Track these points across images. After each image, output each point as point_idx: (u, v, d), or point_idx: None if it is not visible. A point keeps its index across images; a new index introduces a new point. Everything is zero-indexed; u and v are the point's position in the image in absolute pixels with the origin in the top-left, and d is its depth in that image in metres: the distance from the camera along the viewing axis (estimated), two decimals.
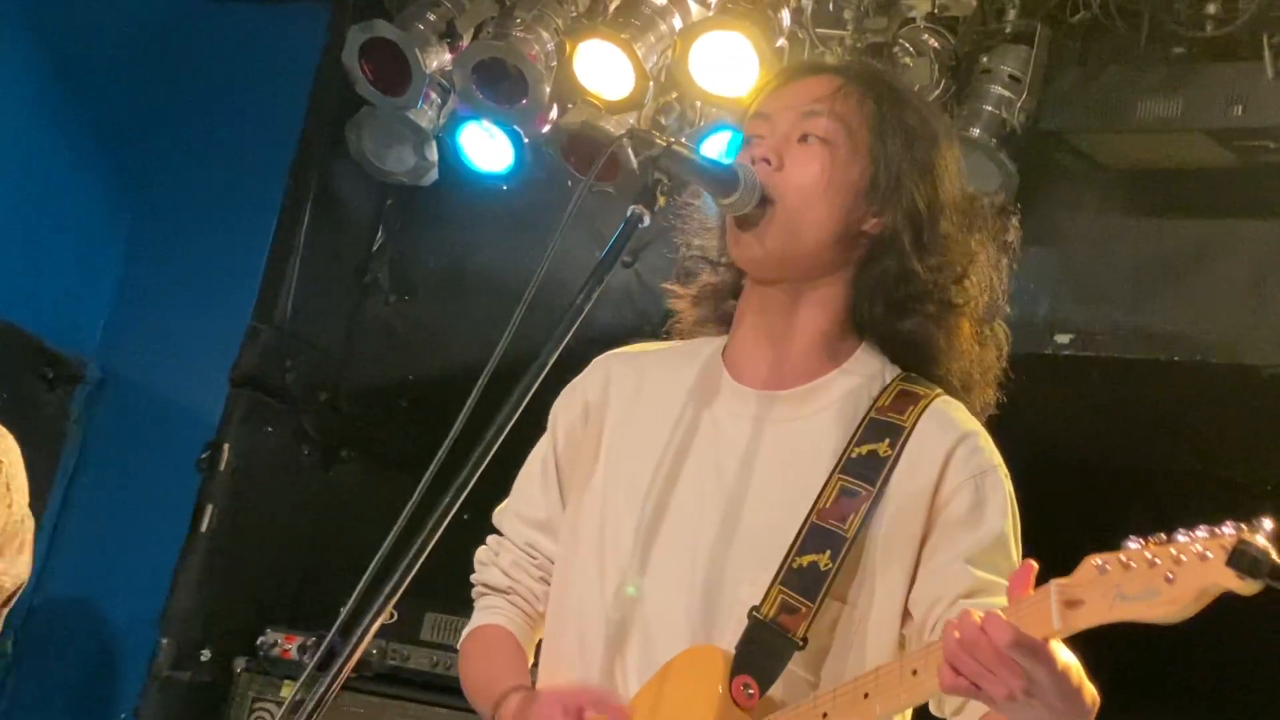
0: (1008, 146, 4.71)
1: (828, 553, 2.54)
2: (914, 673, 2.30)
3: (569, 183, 5.58)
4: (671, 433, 2.73)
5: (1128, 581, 2.07)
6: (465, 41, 5.58)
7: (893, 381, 2.70)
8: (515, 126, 5.60)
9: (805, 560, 2.54)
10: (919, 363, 2.73)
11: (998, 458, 2.66)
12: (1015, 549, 2.63)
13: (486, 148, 5.75)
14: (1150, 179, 4.88)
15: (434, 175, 5.90)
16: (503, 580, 2.88)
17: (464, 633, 2.93)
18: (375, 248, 6.41)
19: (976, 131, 4.69)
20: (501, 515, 2.96)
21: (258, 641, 5.72)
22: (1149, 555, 2.06)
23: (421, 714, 5.46)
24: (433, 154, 5.83)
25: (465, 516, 7.15)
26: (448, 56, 5.57)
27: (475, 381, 6.14)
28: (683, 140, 2.52)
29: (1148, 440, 5.16)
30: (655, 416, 2.76)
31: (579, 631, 2.71)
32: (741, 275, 2.79)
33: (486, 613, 2.89)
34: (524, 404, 2.37)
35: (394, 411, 6.40)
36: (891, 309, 2.71)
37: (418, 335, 6.29)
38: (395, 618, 5.54)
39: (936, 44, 4.80)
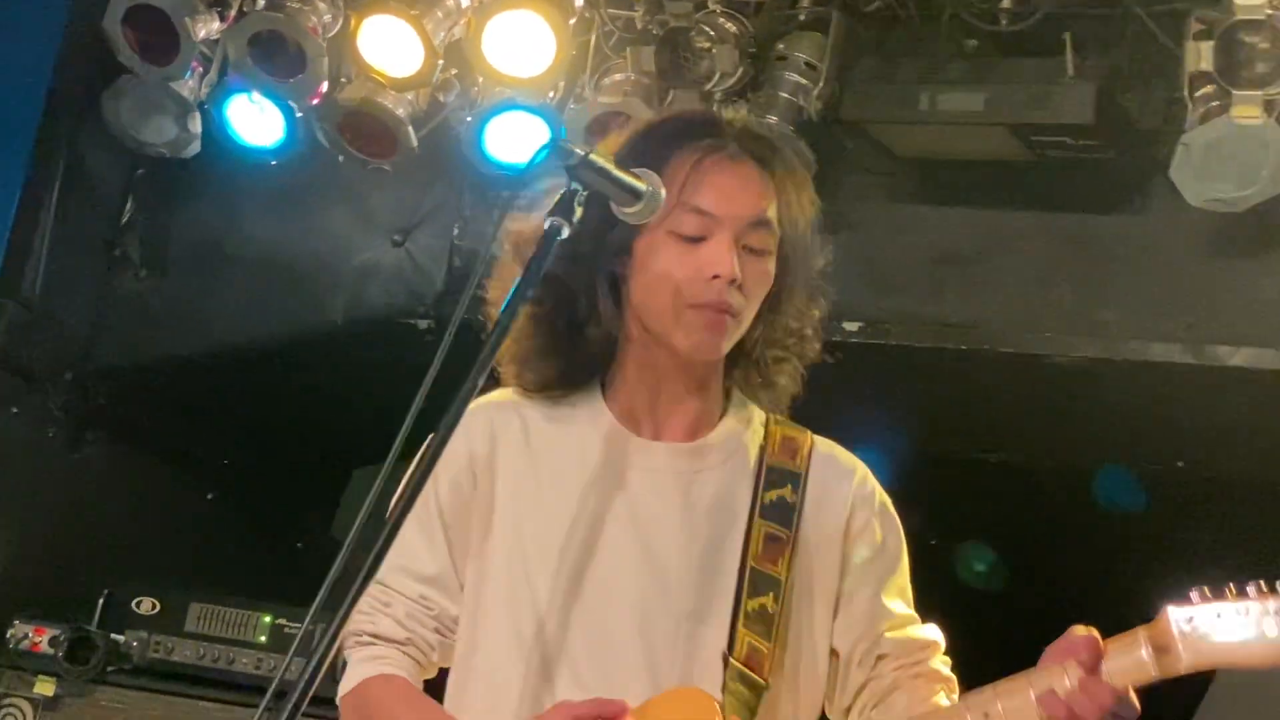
0: (804, 132, 4.74)
1: (771, 595, 2.69)
2: (985, 716, 2.44)
3: (340, 159, 5.48)
4: (577, 487, 2.78)
5: (1220, 630, 2.27)
6: (233, 11, 5.41)
7: (770, 425, 2.87)
8: (288, 100, 5.44)
9: (755, 604, 2.68)
10: (770, 393, 2.89)
11: (881, 488, 2.89)
12: (908, 580, 2.88)
13: (255, 121, 5.56)
14: (942, 169, 4.95)
15: (196, 147, 5.69)
16: (399, 631, 2.83)
17: (351, 683, 2.83)
18: (125, 220, 6.19)
19: (773, 118, 4.70)
20: (382, 570, 2.84)
21: (5, 635, 5.52)
22: (1242, 605, 2.25)
23: (188, 708, 5.33)
24: (196, 125, 5.61)
25: (210, 496, 7.00)
26: (216, 25, 5.38)
27: (234, 361, 6.03)
28: (595, 150, 2.48)
29: (935, 428, 5.26)
30: (554, 470, 2.80)
31: (490, 685, 2.74)
32: (615, 334, 2.83)
33: (378, 663, 2.82)
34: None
35: (145, 392, 6.21)
36: (761, 367, 2.86)
37: (172, 313, 6.10)
38: (157, 609, 5.46)
39: (735, 29, 4.80)
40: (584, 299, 2.79)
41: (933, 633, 2.85)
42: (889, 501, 2.89)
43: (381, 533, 2.26)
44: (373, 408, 2.65)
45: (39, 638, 5.45)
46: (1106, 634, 2.42)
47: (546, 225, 2.46)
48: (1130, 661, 2.33)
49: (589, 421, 2.83)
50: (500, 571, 2.78)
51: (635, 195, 2.57)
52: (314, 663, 2.11)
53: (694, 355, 2.76)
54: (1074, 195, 4.82)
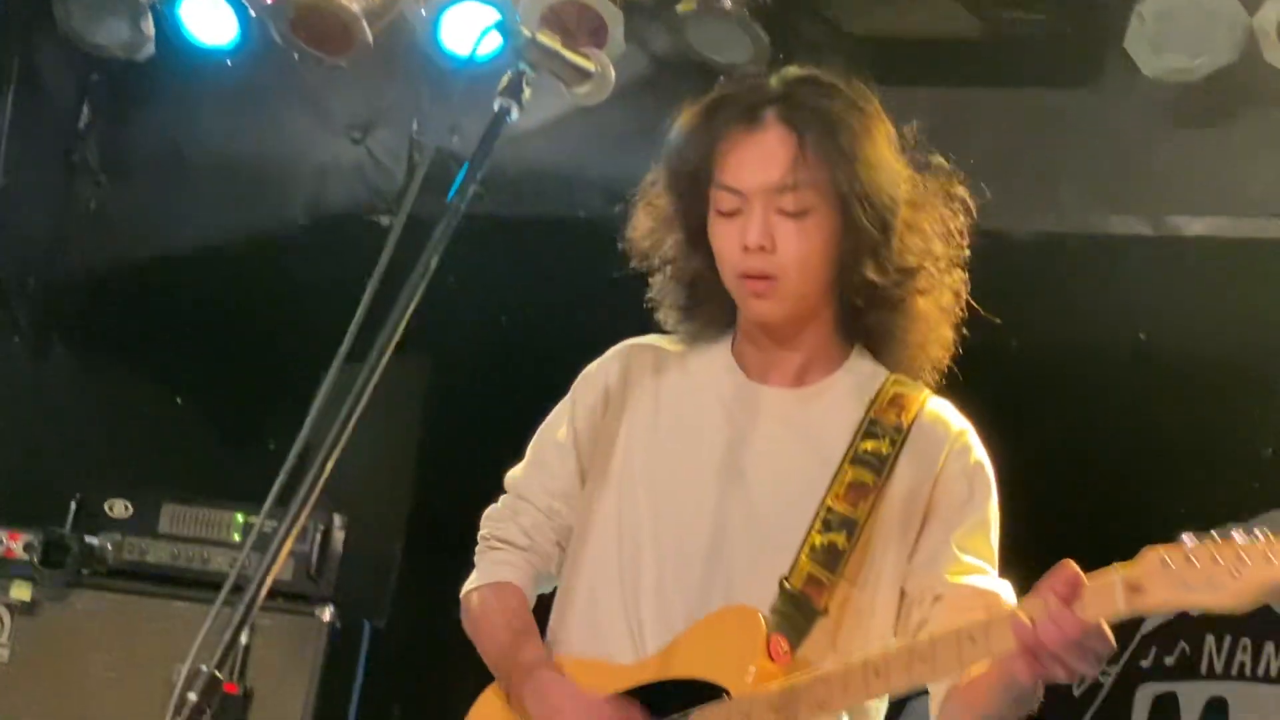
0: (759, 16, 4.73)
1: (844, 533, 2.86)
2: (972, 640, 2.55)
3: (296, 57, 5.45)
4: (688, 423, 3.02)
5: (1191, 574, 2.35)
6: None
7: (885, 383, 3.00)
8: None
9: (826, 539, 2.86)
10: (891, 348, 3.03)
11: (984, 453, 3.01)
12: (995, 537, 2.97)
13: (208, 20, 5.53)
14: (898, 47, 4.94)
15: (150, 49, 5.65)
16: (522, 539, 3.11)
17: (476, 580, 3.13)
18: (82, 126, 6.16)
19: (728, 2, 4.70)
20: (520, 480, 3.17)
21: None
22: (1213, 553, 2.34)
23: (163, 609, 5.34)
24: (149, 27, 5.57)
25: (178, 400, 7.01)
26: None
27: (198, 264, 6.02)
28: (545, 31, 2.51)
29: None
30: (674, 410, 3.04)
31: (591, 596, 3.00)
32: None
33: (502, 567, 3.11)
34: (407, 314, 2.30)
35: (109, 299, 6.21)
36: (867, 316, 3.00)
37: (133, 218, 6.09)
38: (130, 511, 5.49)
39: None
40: (701, 271, 3.03)
41: (999, 585, 2.92)
42: (987, 463, 2.99)
43: (333, 430, 2.27)
44: (338, 306, 2.67)
45: (13, 543, 5.46)
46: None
47: (496, 107, 2.52)
48: (1104, 597, 2.42)
49: (713, 366, 3.07)
50: (611, 496, 3.03)
51: (584, 75, 2.61)
52: (270, 558, 2.14)
53: (757, 319, 2.98)
54: (1031, 71, 4.82)
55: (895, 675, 2.64)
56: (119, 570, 5.48)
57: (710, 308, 3.08)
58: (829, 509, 2.88)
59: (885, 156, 2.95)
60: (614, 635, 2.95)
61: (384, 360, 2.31)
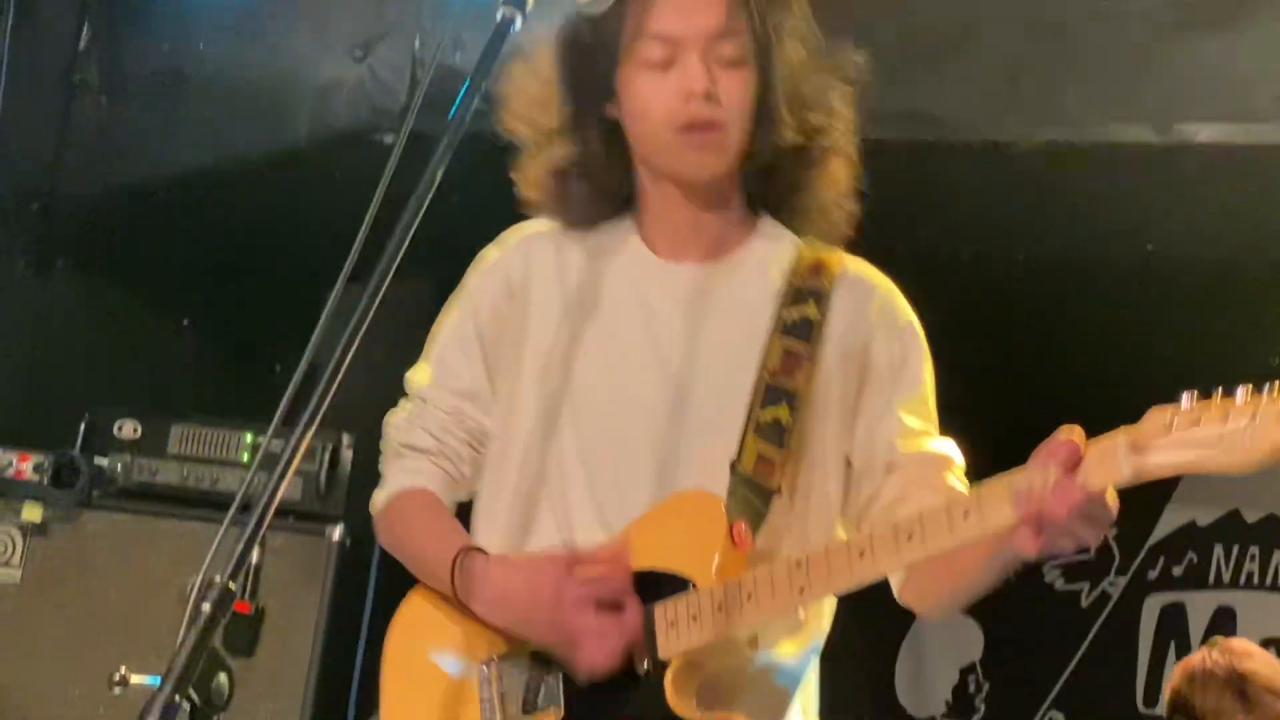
0: None
1: (786, 407, 2.76)
2: (965, 515, 2.44)
3: None
4: (601, 311, 2.90)
5: (1199, 434, 2.22)
6: None
7: (800, 249, 2.92)
8: None
9: (768, 415, 2.76)
10: (803, 210, 2.94)
11: (912, 312, 2.94)
12: (933, 398, 2.92)
13: None
14: None
15: None
16: (430, 442, 2.97)
17: (385, 494, 3.01)
18: (81, 47, 6.13)
19: None
20: (419, 383, 3.05)
21: None
22: (1222, 410, 2.20)
23: (173, 529, 5.35)
24: None
25: (185, 322, 7.02)
26: None
27: (201, 185, 6.01)
28: None
29: (904, 226, 5.26)
30: (585, 299, 2.91)
31: (516, 501, 2.87)
32: (624, 169, 2.94)
33: (409, 475, 2.98)
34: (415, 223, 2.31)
35: (112, 220, 6.20)
36: (778, 178, 2.91)
37: (135, 139, 6.07)
38: (138, 432, 5.50)
39: None
40: (591, 149, 2.91)
41: (948, 448, 2.88)
42: (916, 322, 2.93)
43: (337, 351, 2.27)
44: (342, 226, 2.67)
45: (23, 464, 5.47)
46: (1086, 422, 2.42)
47: (499, 15, 2.50)
48: (1108, 462, 2.32)
49: (618, 250, 2.95)
50: (527, 394, 2.90)
51: None
52: (277, 476, 2.15)
53: (695, 177, 2.87)
54: None
55: (882, 556, 2.51)
56: (129, 491, 5.50)
57: (600, 189, 2.96)
58: (767, 384, 2.79)
59: (803, 11, 2.90)
60: (545, 539, 2.81)
61: (386, 281, 2.30)
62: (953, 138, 4.85)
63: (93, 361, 6.20)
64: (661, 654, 2.62)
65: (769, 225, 2.96)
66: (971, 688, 7.47)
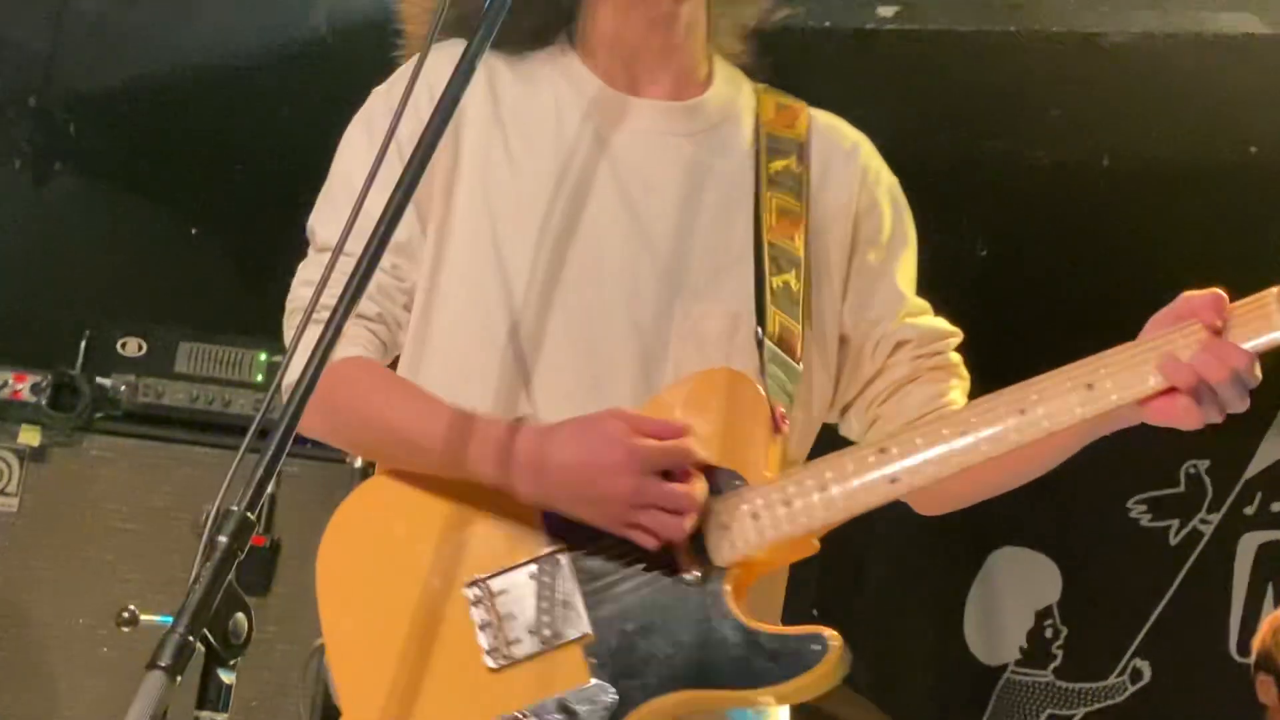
0: None
1: (794, 271, 2.60)
2: (1089, 386, 2.32)
3: None
4: (554, 150, 2.65)
5: None
6: None
7: (761, 93, 2.79)
8: None
9: (780, 280, 2.58)
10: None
11: (886, 167, 2.80)
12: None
13: None
14: None
15: None
16: (369, 307, 2.64)
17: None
18: None
19: None
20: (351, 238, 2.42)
21: None
22: None
23: (184, 454, 5.37)
24: None
25: (194, 231, 7.01)
26: None
27: (211, 80, 5.99)
28: None
29: (981, 126, 5.22)
30: (526, 132, 2.67)
31: (453, 374, 2.58)
32: None
33: (344, 344, 2.51)
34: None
35: (115, 119, 6.19)
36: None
37: (140, 31, 6.04)
38: (144, 350, 5.50)
39: None
40: None
41: (949, 324, 2.76)
42: (896, 182, 2.80)
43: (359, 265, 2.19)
44: None
45: (19, 384, 5.47)
46: None
47: None
48: (1260, 323, 2.24)
49: (563, 78, 2.72)
50: (464, 245, 2.64)
51: None
52: (297, 399, 2.11)
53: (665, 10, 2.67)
54: None
55: (992, 437, 2.34)
56: (133, 413, 5.49)
57: (544, 5, 2.71)
58: (771, 244, 2.62)
59: None
60: (497, 405, 2.53)
61: (409, 199, 2.23)
62: (1036, 27, 4.79)
63: (95, 271, 6.20)
64: (715, 559, 2.41)
65: (721, 66, 2.80)
66: (1048, 633, 7.46)
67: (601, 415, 2.40)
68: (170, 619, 1.91)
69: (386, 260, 2.56)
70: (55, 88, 6.11)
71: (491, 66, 2.70)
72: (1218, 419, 2.29)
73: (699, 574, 2.40)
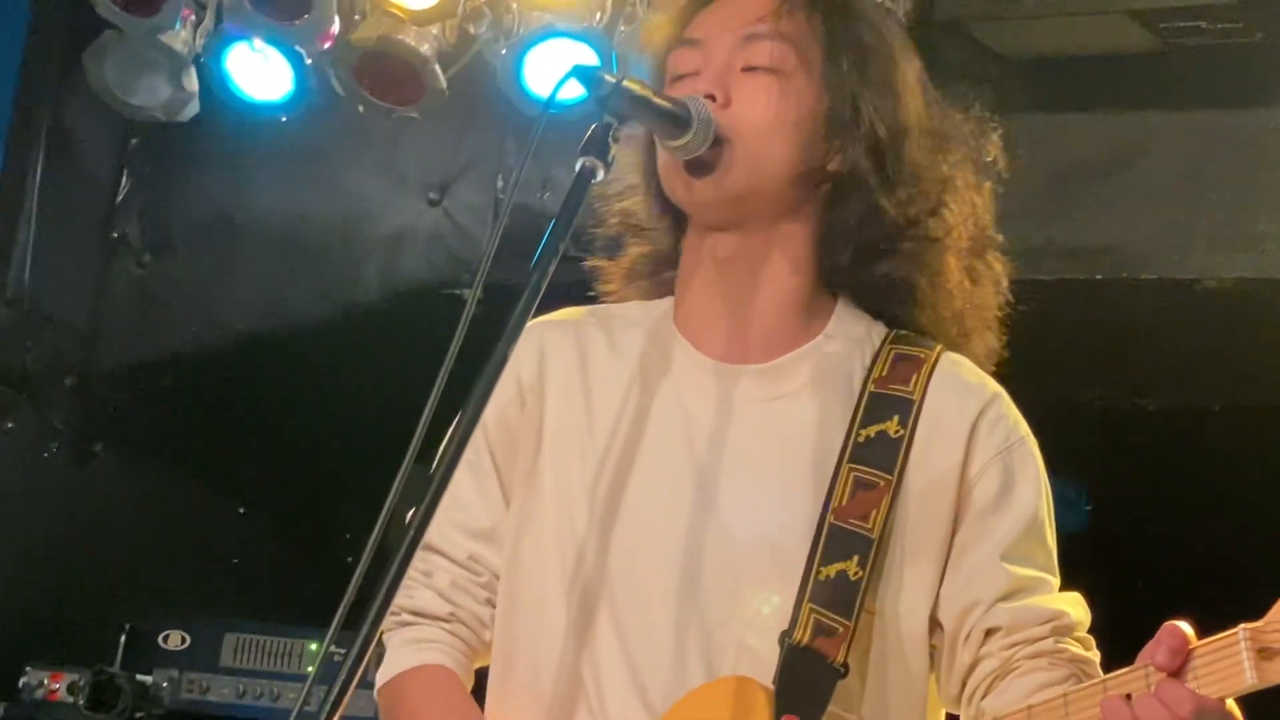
0: None
1: (855, 558, 2.50)
2: (1047, 713, 2.30)
3: (360, 109, 5.51)
4: (628, 411, 2.66)
5: None
6: None
7: (884, 344, 2.67)
8: (295, 46, 5.48)
9: (832, 570, 2.50)
10: (904, 311, 2.71)
11: (1024, 424, 2.66)
12: (1050, 530, 2.64)
13: (259, 73, 5.61)
14: (1058, 69, 4.92)
15: (194, 108, 5.74)
16: (441, 606, 2.70)
17: (389, 673, 2.70)
18: (120, 198, 6.26)
19: None
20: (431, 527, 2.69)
21: (19, 684, 5.58)
22: None
23: None
24: (192, 83, 5.66)
25: (240, 510, 7.04)
26: None
27: (256, 351, 6.06)
28: (631, 75, 2.47)
29: (1073, 372, 5.22)
30: (605, 396, 2.68)
31: (532, 658, 2.62)
32: (679, 239, 2.77)
33: (420, 648, 2.68)
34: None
35: (154, 393, 6.27)
36: (862, 254, 2.67)
37: (181, 301, 6.16)
38: (187, 643, 5.52)
39: None
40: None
41: (1066, 602, 2.60)
42: (1029, 435, 2.65)
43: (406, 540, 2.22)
44: (417, 391, 2.64)
45: (55, 684, 5.51)
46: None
47: (579, 166, 2.43)
48: (1225, 666, 2.13)
49: (651, 338, 2.73)
50: (547, 510, 2.66)
51: (680, 124, 2.56)
52: (336, 689, 2.12)
53: (697, 214, 2.68)
54: (1215, 89, 4.77)
55: None
56: (177, 711, 5.52)
57: (651, 272, 2.79)
58: (833, 526, 2.52)
59: (905, 74, 2.71)
60: (570, 712, 2.57)
61: (458, 461, 2.26)
62: (1124, 275, 4.82)
63: (136, 558, 6.23)
64: None
65: (845, 310, 2.73)
66: None
67: None
68: None
69: (462, 550, 2.70)
70: (93, 364, 6.19)
71: (585, 332, 2.77)
72: None
73: None
